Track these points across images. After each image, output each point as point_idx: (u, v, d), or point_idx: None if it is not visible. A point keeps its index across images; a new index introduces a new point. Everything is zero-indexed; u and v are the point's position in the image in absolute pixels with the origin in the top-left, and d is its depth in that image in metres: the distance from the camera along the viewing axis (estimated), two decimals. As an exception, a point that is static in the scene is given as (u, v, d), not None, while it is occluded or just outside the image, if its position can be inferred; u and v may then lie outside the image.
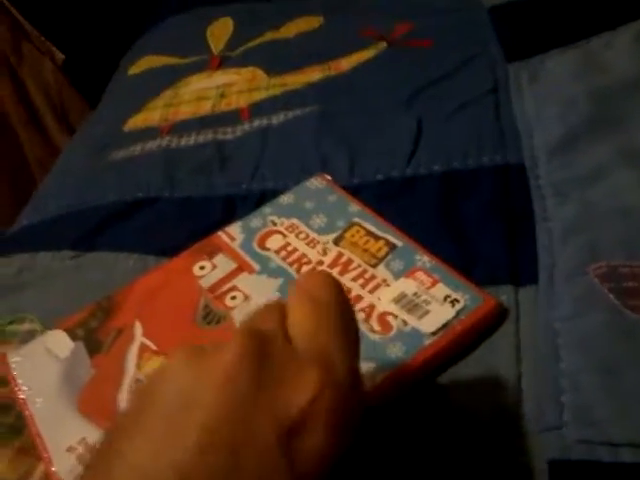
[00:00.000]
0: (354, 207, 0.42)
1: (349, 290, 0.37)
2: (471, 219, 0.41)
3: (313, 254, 0.40)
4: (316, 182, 0.45)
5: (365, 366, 0.31)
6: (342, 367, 0.26)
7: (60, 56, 1.25)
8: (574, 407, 0.31)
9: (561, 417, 0.31)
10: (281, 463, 0.23)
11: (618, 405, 0.30)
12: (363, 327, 0.35)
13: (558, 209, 0.40)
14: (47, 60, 1.25)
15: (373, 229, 0.41)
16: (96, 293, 0.43)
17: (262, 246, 0.41)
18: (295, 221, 0.43)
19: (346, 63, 0.61)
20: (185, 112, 0.59)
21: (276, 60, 0.64)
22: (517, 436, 0.31)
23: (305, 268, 0.39)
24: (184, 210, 0.48)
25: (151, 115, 0.60)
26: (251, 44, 0.69)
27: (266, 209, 0.44)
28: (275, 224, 0.43)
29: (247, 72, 0.63)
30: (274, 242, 0.42)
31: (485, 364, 0.34)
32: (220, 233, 0.43)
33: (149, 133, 0.58)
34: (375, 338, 0.35)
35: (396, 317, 0.35)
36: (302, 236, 0.41)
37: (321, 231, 0.42)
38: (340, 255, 0.40)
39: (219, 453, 0.23)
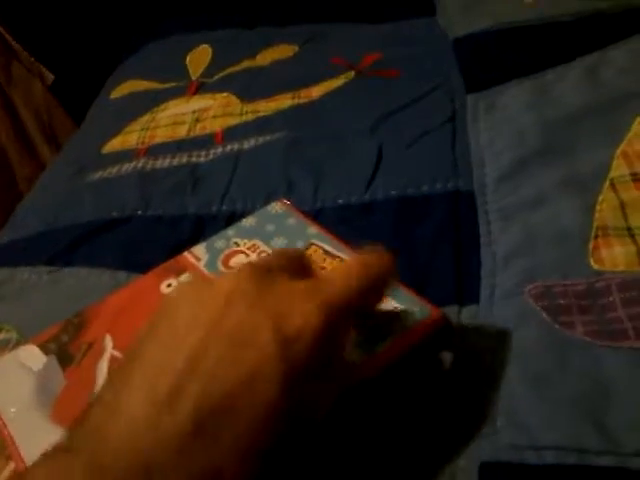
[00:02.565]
0: (312, 230, 0.45)
1: None
2: (423, 242, 0.44)
3: None
4: (277, 207, 0.48)
5: None
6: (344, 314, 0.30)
7: (50, 76, 1.27)
8: (506, 414, 0.33)
9: (495, 424, 0.33)
10: (277, 358, 0.27)
11: (545, 412, 0.33)
12: None
13: (502, 233, 0.43)
14: (36, 80, 1.27)
15: (330, 249, 0.43)
16: (71, 306, 0.45)
17: (226, 265, 0.44)
18: (257, 242, 0.45)
19: (316, 91, 0.64)
20: (162, 136, 0.62)
21: (250, 87, 0.67)
22: (457, 441, 0.33)
23: None
24: (156, 229, 0.51)
25: (129, 138, 0.63)
26: (228, 71, 0.72)
27: (229, 231, 0.46)
28: (238, 245, 0.45)
29: (222, 98, 0.66)
30: (238, 261, 0.44)
31: (428, 379, 0.36)
32: (186, 253, 0.45)
33: (126, 155, 0.61)
34: None
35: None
36: (264, 255, 0.44)
37: None
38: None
39: (223, 345, 0.27)
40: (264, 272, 0.30)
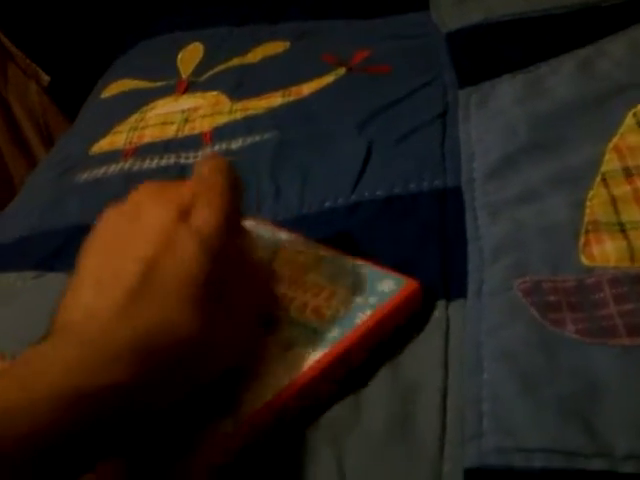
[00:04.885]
0: (283, 235, 0.45)
1: (284, 295, 0.40)
2: (409, 240, 0.43)
3: None
4: (247, 224, 0.48)
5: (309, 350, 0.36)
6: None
7: (45, 78, 1.27)
8: (492, 416, 0.32)
9: (480, 426, 0.32)
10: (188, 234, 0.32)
11: (533, 414, 0.32)
12: (301, 319, 0.38)
13: (489, 228, 0.42)
14: (32, 82, 1.27)
15: (301, 247, 0.43)
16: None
17: None
18: None
19: (307, 89, 0.63)
20: (150, 136, 0.62)
21: (240, 85, 0.66)
22: (442, 445, 0.33)
23: None
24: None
25: (117, 139, 0.63)
26: (218, 69, 0.71)
27: None
28: None
29: (211, 97, 0.65)
30: None
31: (413, 375, 0.35)
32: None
33: (113, 156, 0.60)
34: (313, 325, 0.37)
35: (329, 307, 0.38)
36: None
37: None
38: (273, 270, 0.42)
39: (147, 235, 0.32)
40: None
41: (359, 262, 0.41)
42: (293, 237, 0.44)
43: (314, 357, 0.35)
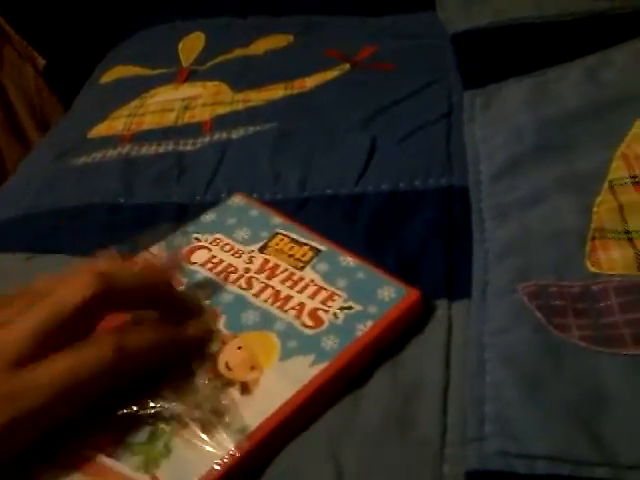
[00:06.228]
0: (276, 220, 0.44)
1: (278, 292, 0.38)
2: (413, 236, 0.42)
3: (239, 263, 0.41)
4: (236, 200, 0.47)
5: (303, 359, 0.34)
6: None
7: (41, 61, 1.25)
8: (495, 419, 0.32)
9: (482, 429, 0.32)
10: None
11: (537, 419, 0.31)
12: (296, 323, 0.37)
13: (496, 231, 0.41)
14: (28, 65, 1.25)
15: (296, 237, 0.42)
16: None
17: (188, 261, 0.42)
18: (219, 235, 0.43)
19: (310, 82, 0.62)
20: (149, 122, 0.60)
21: (242, 76, 0.65)
22: (442, 445, 0.32)
23: (232, 277, 0.40)
24: (138, 217, 0.49)
25: (115, 124, 0.61)
26: (220, 59, 0.70)
27: (189, 228, 0.45)
28: (199, 240, 0.43)
29: (212, 86, 0.64)
30: (200, 256, 0.42)
31: (414, 373, 0.35)
32: (144, 254, 0.43)
33: (111, 141, 0.59)
34: (308, 332, 0.36)
35: (327, 312, 0.37)
36: (227, 248, 0.42)
37: (245, 242, 0.43)
38: (266, 261, 0.41)
39: None
40: None
41: (357, 262, 0.40)
42: (285, 222, 0.43)
43: (314, 370, 0.34)
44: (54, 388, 0.30)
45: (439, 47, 0.64)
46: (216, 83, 0.65)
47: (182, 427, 0.32)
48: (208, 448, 0.31)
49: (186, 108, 0.61)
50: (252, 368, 0.35)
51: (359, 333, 0.35)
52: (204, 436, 0.31)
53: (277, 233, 0.43)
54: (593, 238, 0.39)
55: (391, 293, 0.37)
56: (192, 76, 0.67)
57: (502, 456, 0.31)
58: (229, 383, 0.34)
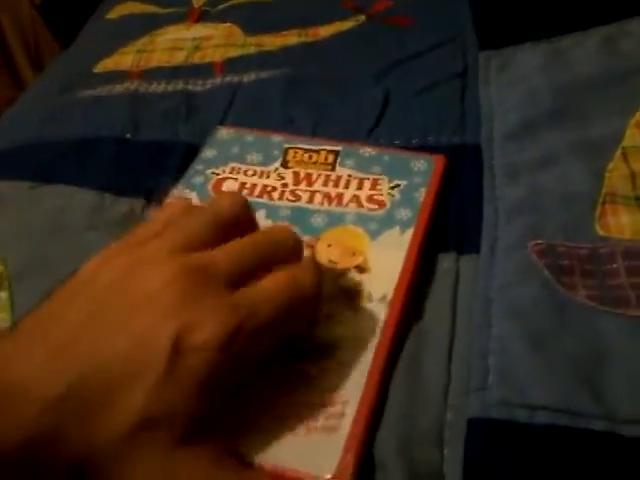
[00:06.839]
0: (276, 138, 0.44)
1: (328, 193, 0.40)
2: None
3: (272, 182, 0.41)
4: (225, 132, 0.46)
5: (391, 231, 0.37)
6: None
7: (38, -4, 1.23)
8: (499, 370, 0.32)
9: (486, 379, 0.32)
10: (162, 362, 0.26)
11: (540, 372, 0.32)
12: (363, 211, 0.39)
13: (507, 189, 0.41)
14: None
15: (308, 146, 0.43)
16: (49, 223, 0.44)
17: (219, 190, 0.42)
18: (234, 164, 0.43)
19: (324, 31, 0.61)
20: (158, 60, 0.59)
21: (255, 20, 0.64)
22: (446, 393, 0.32)
23: (275, 194, 0.40)
24: (145, 153, 0.48)
25: (123, 59, 0.60)
26: (233, 2, 0.69)
27: (197, 166, 0.44)
28: (217, 174, 0.43)
29: (224, 28, 0.63)
30: (229, 187, 0.42)
31: (420, 325, 0.35)
32: (171, 200, 0.42)
33: (119, 76, 0.58)
34: (379, 213, 0.38)
35: (381, 194, 0.39)
36: (250, 173, 0.42)
37: (263, 164, 0.43)
38: (297, 173, 0.41)
39: (124, 340, 0.27)
40: (198, 278, 0.28)
41: (377, 149, 0.42)
42: (290, 138, 0.44)
43: (407, 236, 0.37)
44: (283, 297, 0.29)
45: (457, 5, 0.63)
46: (228, 25, 0.63)
47: None
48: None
49: (197, 48, 0.60)
50: (353, 255, 0.36)
51: (421, 199, 0.38)
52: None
53: (288, 148, 0.43)
54: (603, 202, 0.40)
55: (422, 163, 0.41)
56: (204, 17, 0.66)
57: (504, 405, 0.31)
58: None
